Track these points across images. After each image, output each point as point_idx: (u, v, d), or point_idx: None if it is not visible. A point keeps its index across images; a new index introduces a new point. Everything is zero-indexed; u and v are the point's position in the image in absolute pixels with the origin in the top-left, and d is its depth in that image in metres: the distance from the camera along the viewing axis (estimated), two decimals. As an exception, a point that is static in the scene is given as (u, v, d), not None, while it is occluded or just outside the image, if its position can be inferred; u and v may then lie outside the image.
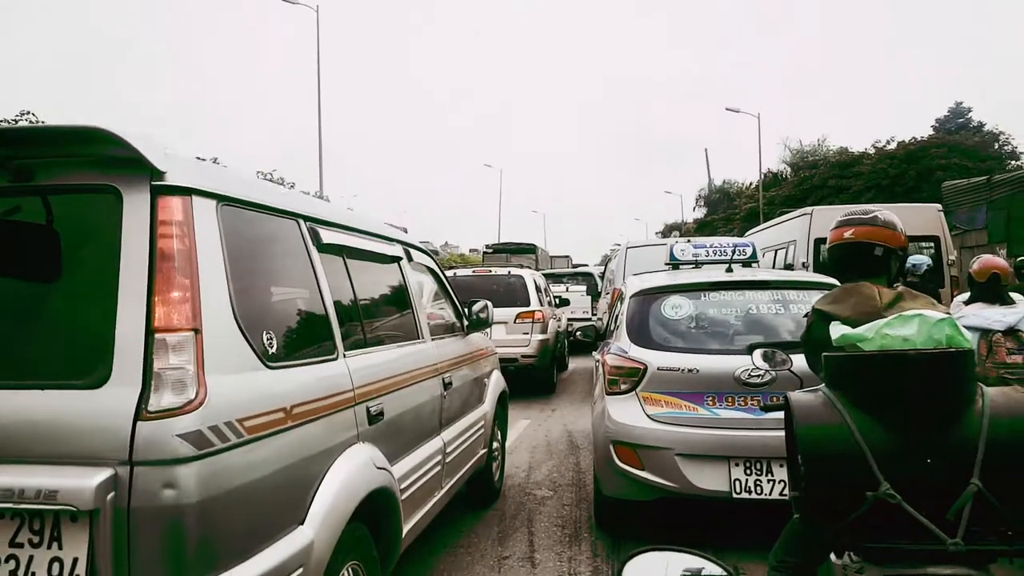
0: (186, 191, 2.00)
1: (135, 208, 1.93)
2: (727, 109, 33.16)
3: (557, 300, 12.42)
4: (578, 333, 11.72)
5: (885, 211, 2.49)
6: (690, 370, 3.94)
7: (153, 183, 1.95)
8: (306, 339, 2.51)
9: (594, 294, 13.56)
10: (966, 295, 5.55)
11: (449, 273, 10.24)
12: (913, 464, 1.54)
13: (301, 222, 2.64)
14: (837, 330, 1.98)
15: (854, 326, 1.93)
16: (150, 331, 1.83)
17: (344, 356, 2.65)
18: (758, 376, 3.81)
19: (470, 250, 61.31)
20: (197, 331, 1.88)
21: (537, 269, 23.49)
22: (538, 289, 10.15)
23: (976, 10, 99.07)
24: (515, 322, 9.50)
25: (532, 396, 9.51)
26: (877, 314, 2.12)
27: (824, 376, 1.78)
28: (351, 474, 2.45)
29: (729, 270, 4.69)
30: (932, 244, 9.36)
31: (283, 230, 2.53)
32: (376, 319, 3.28)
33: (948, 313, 1.97)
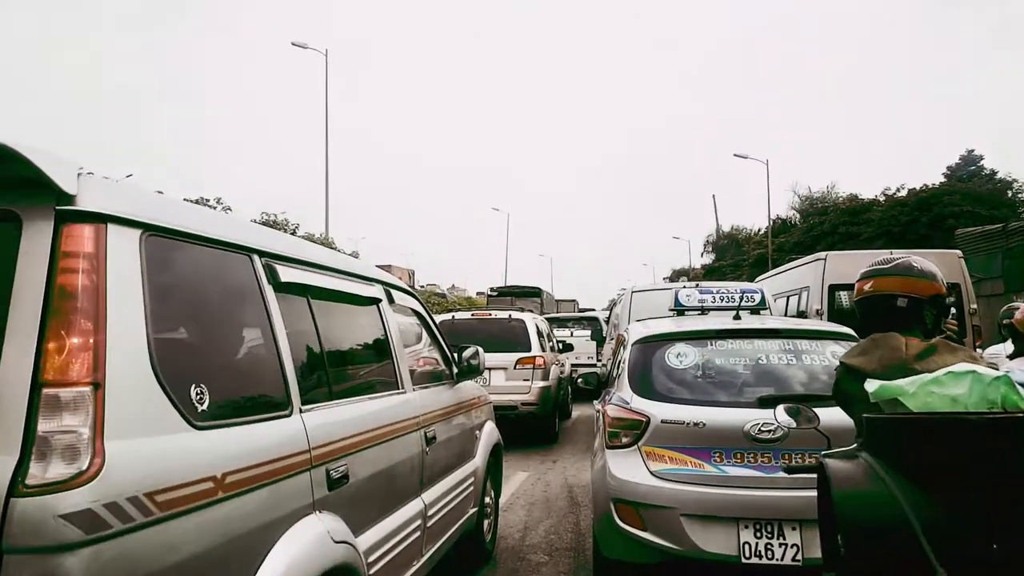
0: (100, 218, 1.70)
1: (35, 237, 1.63)
2: (735, 155, 33.11)
3: (560, 345, 12.08)
4: (579, 380, 11.35)
5: (915, 258, 2.27)
6: (696, 424, 3.60)
7: (59, 208, 1.65)
8: (251, 393, 2.17)
9: (599, 339, 13.20)
10: (997, 347, 5.19)
11: (448, 316, 9.97)
12: (975, 547, 1.29)
13: (255, 257, 2.33)
14: (873, 384, 1.78)
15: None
16: (37, 385, 1.51)
17: (300, 411, 2.32)
18: (769, 431, 3.47)
19: (477, 293, 61.21)
20: (97, 385, 1.56)
21: (542, 313, 23.22)
22: (540, 334, 9.82)
23: (986, 58, 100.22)
24: (515, 368, 9.14)
25: (532, 446, 9.09)
26: (904, 366, 1.92)
27: (863, 439, 1.50)
28: (301, 552, 2.10)
29: (737, 317, 4.37)
30: (953, 292, 9.02)
31: (231, 266, 2.22)
32: (346, 368, 2.96)
33: (995, 368, 1.70)
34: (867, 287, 2.27)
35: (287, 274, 2.47)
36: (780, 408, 3.22)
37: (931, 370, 1.75)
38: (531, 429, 9.30)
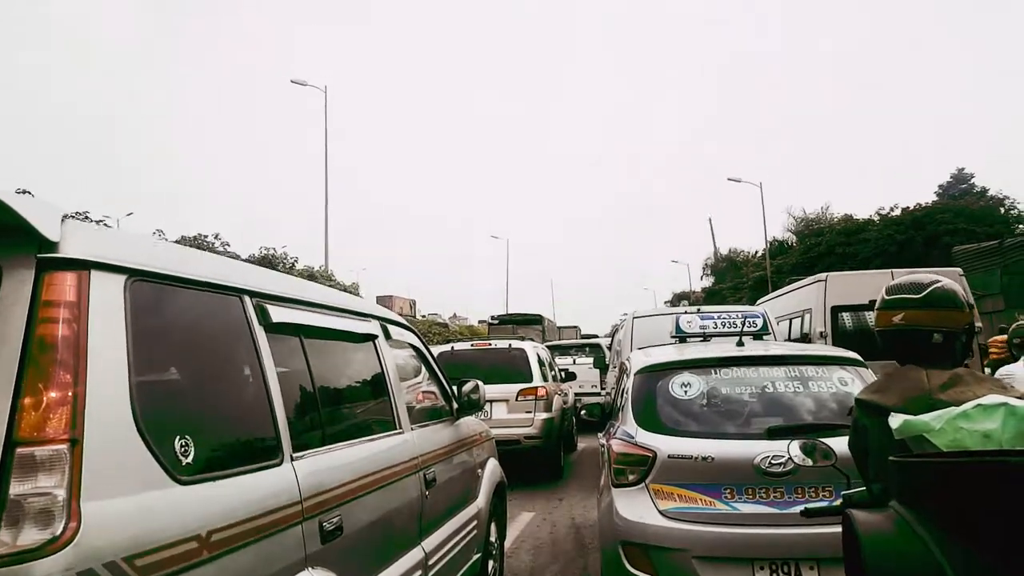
0: (83, 264, 1.63)
1: (16, 286, 1.56)
2: (729, 179, 33.28)
3: (563, 374, 11.92)
4: (583, 412, 11.16)
5: (944, 281, 2.06)
6: (704, 458, 3.49)
7: (40, 256, 1.59)
8: (239, 442, 2.08)
9: (602, 366, 13.04)
10: (1012, 367, 5.06)
11: (447, 347, 9.81)
12: None
13: (246, 298, 2.25)
14: (897, 419, 1.65)
15: None
16: (11, 443, 1.43)
17: (292, 459, 2.22)
18: (781, 464, 3.36)
19: (479, 321, 61.01)
20: (75, 442, 1.48)
21: (544, 340, 23.06)
22: (541, 363, 9.66)
23: (974, 77, 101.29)
24: (517, 399, 8.96)
25: (537, 483, 8.82)
26: (927, 398, 1.79)
27: (894, 488, 1.38)
28: (294, 610, 1.99)
29: (740, 343, 4.28)
30: None
31: (220, 309, 2.15)
32: (341, 409, 2.86)
33: None
34: (897, 319, 2.03)
35: (279, 314, 2.39)
36: (794, 444, 3.11)
37: (957, 402, 1.64)
38: (535, 463, 9.07)
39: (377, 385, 3.21)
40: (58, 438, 1.46)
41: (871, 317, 9.55)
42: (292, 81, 27.13)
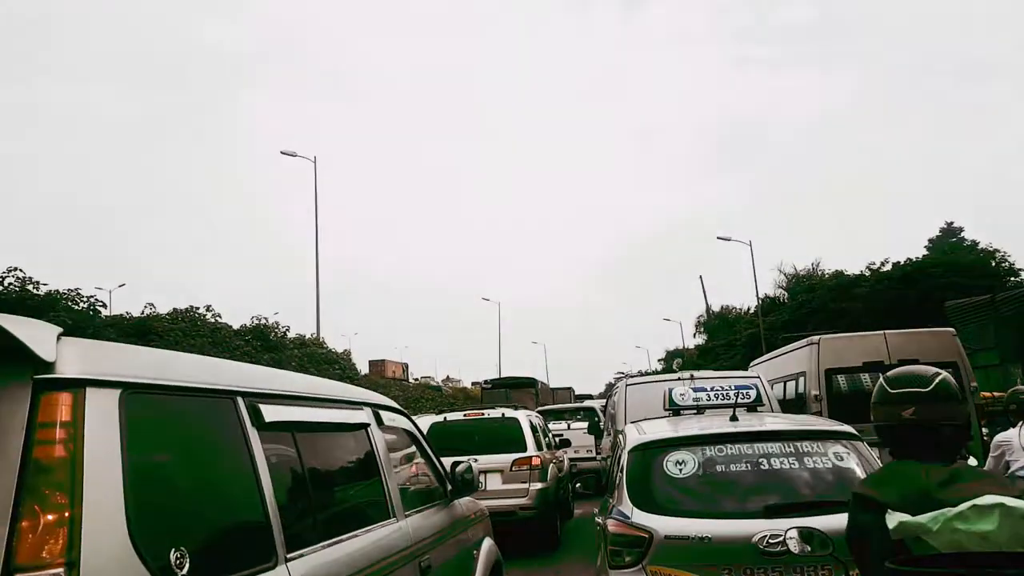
0: (78, 383, 1.67)
1: (12, 407, 1.60)
2: (719, 238, 33.70)
3: (557, 440, 11.82)
4: (578, 486, 11.03)
5: (944, 373, 2.08)
6: (702, 538, 3.47)
7: (37, 377, 1.63)
8: (233, 547, 2.08)
9: (597, 432, 12.95)
10: (1010, 433, 5.06)
11: (439, 418, 9.74)
12: None
13: (238, 400, 2.29)
14: (893, 519, 1.66)
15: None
16: (9, 569, 1.45)
17: (286, 561, 2.22)
18: (778, 544, 3.35)
19: (472, 383, 60.66)
20: (73, 565, 1.49)
21: (538, 403, 22.92)
22: (535, 430, 9.60)
23: (961, 131, 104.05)
24: (511, 470, 8.86)
25: (533, 556, 8.60)
26: (926, 496, 1.78)
27: None
28: None
29: (734, 418, 4.30)
30: (951, 370, 8.93)
31: (213, 413, 2.18)
32: (335, 503, 2.86)
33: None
34: (907, 414, 1.99)
35: (271, 412, 2.42)
36: (792, 532, 3.11)
37: (956, 499, 1.65)
38: (531, 534, 8.92)
39: (370, 474, 3.21)
40: (55, 562, 1.48)
41: (866, 380, 9.61)
42: (282, 152, 27.69)
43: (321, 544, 2.49)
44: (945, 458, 1.99)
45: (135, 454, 1.74)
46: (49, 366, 1.63)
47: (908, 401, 2.00)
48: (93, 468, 1.62)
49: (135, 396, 1.82)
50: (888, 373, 2.17)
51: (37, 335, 1.64)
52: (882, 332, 9.29)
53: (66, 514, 1.53)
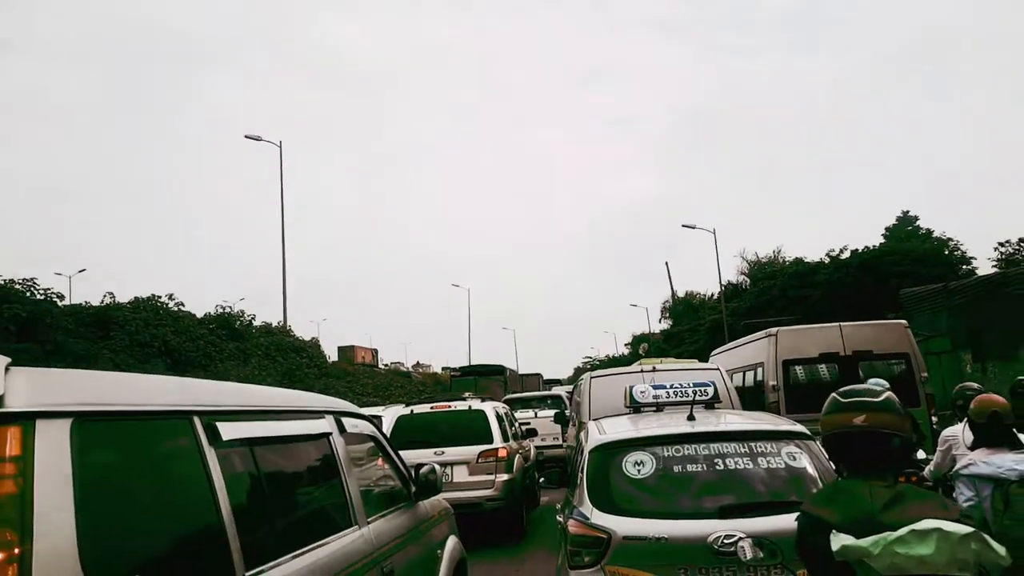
0: (27, 416, 1.65)
1: None
2: (683, 226, 34.07)
3: (523, 430, 11.92)
4: (541, 480, 11.15)
5: (887, 388, 2.18)
6: (659, 539, 3.55)
7: None
8: (191, 569, 2.09)
9: (563, 421, 13.09)
10: (955, 429, 5.19)
11: (406, 410, 9.76)
12: None
13: (195, 419, 2.28)
14: (837, 540, 1.71)
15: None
16: (-43, 610, 1.44)
17: (244, 579, 2.23)
18: (732, 544, 3.44)
19: (442, 368, 60.60)
20: (23, 602, 1.49)
21: (506, 391, 23.06)
22: (501, 422, 9.67)
23: (917, 121, 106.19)
24: (478, 462, 8.93)
25: (499, 546, 8.70)
26: (870, 519, 1.83)
27: None
28: None
29: (691, 417, 4.39)
30: (903, 361, 9.19)
31: (169, 435, 2.17)
32: (295, 516, 2.87)
33: (968, 521, 1.67)
34: (859, 420, 2.04)
35: (229, 430, 2.41)
36: (747, 542, 3.20)
37: (899, 522, 1.71)
38: (496, 525, 9.02)
39: (332, 484, 3.22)
40: None
41: (822, 370, 9.83)
42: (246, 136, 27.27)
43: (281, 559, 2.50)
44: (892, 470, 2.06)
45: (87, 484, 1.74)
46: (-3, 399, 1.62)
47: (860, 409, 2.07)
48: (44, 502, 1.61)
49: (87, 424, 1.81)
50: (838, 390, 2.25)
51: (-16, 368, 1.62)
52: (837, 324, 9.52)
53: (16, 551, 1.53)
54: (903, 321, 9.97)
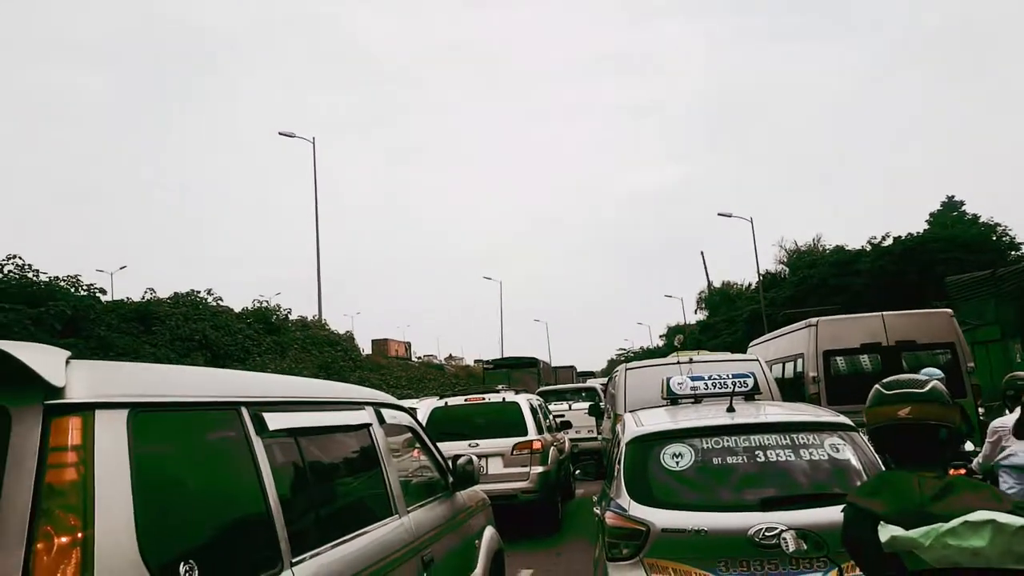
0: (87, 407, 1.72)
1: (24, 433, 1.65)
2: (719, 214, 33.61)
3: (558, 422, 11.92)
4: (576, 472, 11.14)
5: (935, 380, 2.11)
6: (698, 531, 3.54)
7: (47, 403, 1.68)
8: (240, 555, 2.15)
9: (597, 414, 13.06)
10: (1006, 419, 5.06)
11: (440, 403, 9.82)
12: None
13: (243, 410, 2.34)
14: (886, 532, 1.68)
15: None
16: (25, 591, 1.51)
17: (291, 565, 2.29)
18: (774, 537, 3.41)
19: (475, 361, 60.98)
20: (86, 585, 1.55)
21: (540, 383, 23.07)
22: (535, 414, 9.69)
23: (962, 105, 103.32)
24: (512, 453, 8.96)
25: (535, 537, 8.76)
26: (919, 510, 1.79)
27: None
28: None
29: (731, 408, 4.35)
30: (948, 351, 8.99)
31: (218, 425, 2.24)
32: (338, 505, 2.93)
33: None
34: (904, 413, 2.00)
35: (275, 421, 2.48)
36: (790, 534, 3.16)
37: (949, 512, 1.68)
38: (532, 516, 9.06)
39: (373, 473, 3.28)
40: None
41: (864, 361, 9.66)
42: (280, 133, 27.58)
43: (325, 546, 2.56)
44: (939, 461, 2.02)
45: (143, 472, 1.80)
46: (59, 391, 1.68)
47: (905, 401, 2.02)
48: (103, 489, 1.67)
49: (141, 415, 1.87)
50: (881, 381, 2.21)
51: (47, 361, 1.69)
52: (880, 314, 9.35)
53: (79, 535, 1.59)
54: (948, 310, 9.74)
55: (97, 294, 21.65)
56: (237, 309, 26.79)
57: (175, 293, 25.05)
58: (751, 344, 13.27)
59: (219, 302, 25.91)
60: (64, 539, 1.57)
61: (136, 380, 1.96)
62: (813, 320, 9.59)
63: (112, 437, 1.76)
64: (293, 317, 28.94)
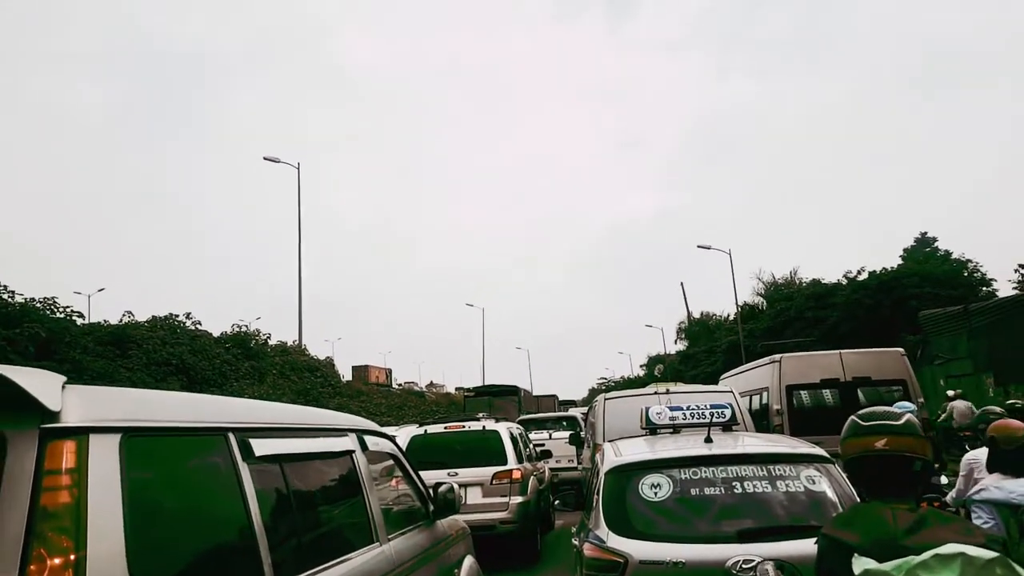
0: (82, 431, 1.76)
1: (20, 455, 1.69)
2: (699, 247, 34.02)
3: (538, 451, 11.90)
4: (556, 502, 11.12)
5: (907, 412, 2.20)
6: (676, 563, 3.56)
7: (43, 426, 1.72)
8: (225, 580, 2.18)
9: (577, 443, 13.07)
10: (979, 452, 5.12)
11: (420, 430, 9.76)
12: None
13: (230, 435, 2.38)
14: (859, 564, 1.72)
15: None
16: (17, 612, 1.54)
17: (274, 591, 2.31)
18: (751, 569, 3.45)
19: (456, 389, 60.62)
20: (77, 607, 1.58)
21: (520, 412, 23.00)
22: (515, 442, 9.67)
23: (935, 144, 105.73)
24: (492, 483, 8.92)
25: (513, 569, 8.65)
26: (893, 542, 1.83)
27: None
28: None
29: (708, 439, 4.42)
30: (900, 387, 9.48)
31: (207, 450, 2.28)
32: (321, 531, 2.95)
33: (995, 546, 1.68)
34: (880, 444, 2.03)
35: (261, 447, 2.51)
36: (769, 564, 3.22)
37: (922, 545, 1.72)
38: (511, 548, 8.98)
39: (355, 500, 3.30)
40: None
41: (825, 395, 10.09)
42: (265, 158, 27.57)
43: (307, 572, 2.59)
44: (913, 494, 2.07)
45: (134, 495, 1.84)
46: (55, 415, 1.72)
47: (881, 432, 2.07)
48: (96, 512, 1.71)
49: (133, 439, 1.91)
50: (858, 412, 2.26)
51: (43, 385, 1.73)
52: (838, 351, 9.90)
53: (71, 557, 1.62)
54: (899, 349, 10.23)
55: (74, 317, 21.37)
56: (216, 333, 26.54)
57: (153, 316, 24.81)
58: (722, 377, 13.54)
59: (198, 326, 25.68)
60: (57, 561, 1.61)
61: (129, 405, 2.00)
62: (777, 356, 10.02)
63: (105, 461, 1.80)
64: (273, 342, 28.72)
